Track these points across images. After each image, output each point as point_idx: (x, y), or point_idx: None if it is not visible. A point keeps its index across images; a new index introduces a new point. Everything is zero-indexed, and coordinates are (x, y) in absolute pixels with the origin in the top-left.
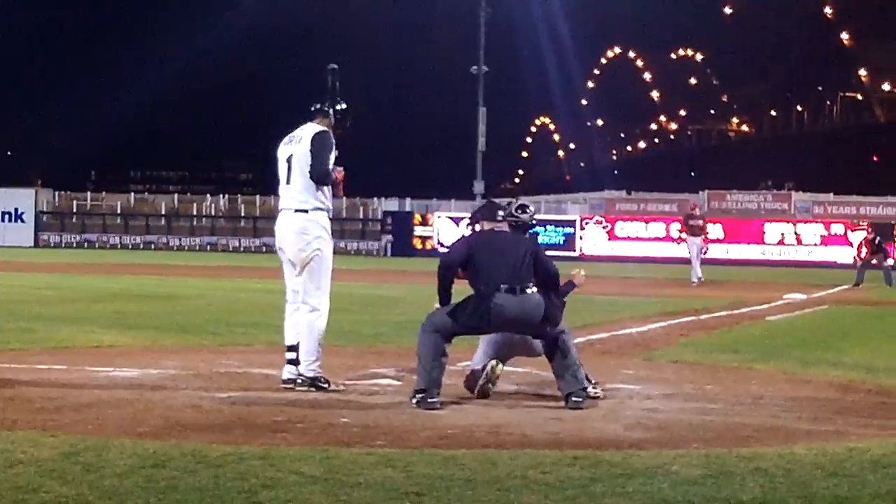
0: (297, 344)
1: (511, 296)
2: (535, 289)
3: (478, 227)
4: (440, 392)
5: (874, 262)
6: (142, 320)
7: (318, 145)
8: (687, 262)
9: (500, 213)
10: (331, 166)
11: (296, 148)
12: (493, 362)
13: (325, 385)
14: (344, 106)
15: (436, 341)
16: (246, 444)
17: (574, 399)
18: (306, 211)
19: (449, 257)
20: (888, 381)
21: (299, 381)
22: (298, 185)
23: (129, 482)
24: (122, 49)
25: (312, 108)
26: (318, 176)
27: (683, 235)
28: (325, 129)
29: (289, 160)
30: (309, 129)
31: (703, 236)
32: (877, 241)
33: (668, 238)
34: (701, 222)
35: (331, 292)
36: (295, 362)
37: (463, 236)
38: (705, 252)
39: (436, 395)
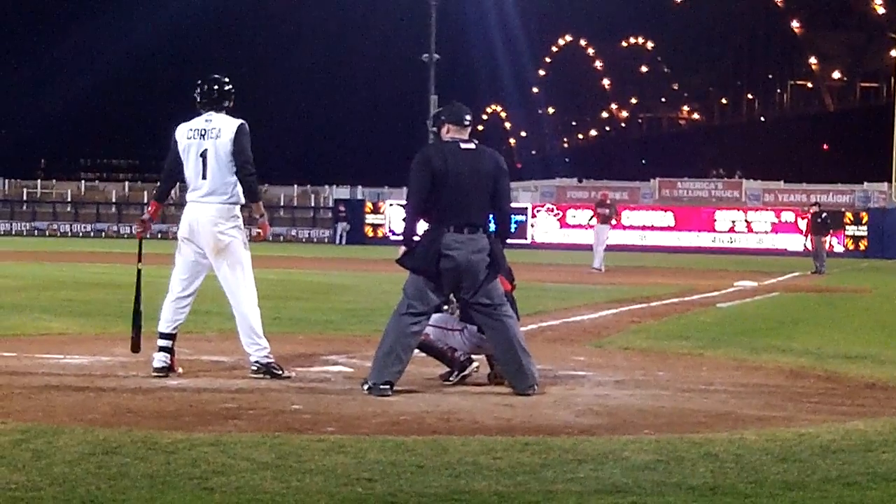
0: (175, 333)
1: (458, 235)
2: (482, 231)
3: (443, 132)
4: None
5: (811, 244)
6: (92, 308)
7: (246, 139)
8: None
9: (468, 116)
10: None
11: (213, 143)
12: (476, 365)
13: (279, 372)
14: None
15: (398, 336)
16: (197, 430)
17: (525, 390)
18: (223, 203)
19: (415, 191)
20: (837, 367)
21: (254, 368)
22: (217, 181)
23: (79, 469)
24: (71, 34)
25: (217, 95)
26: (252, 169)
27: (592, 222)
28: (242, 120)
29: (203, 155)
30: (226, 122)
31: (611, 224)
32: (821, 218)
33: (619, 226)
34: (608, 211)
35: (273, 279)
36: (168, 350)
37: (418, 155)
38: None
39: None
